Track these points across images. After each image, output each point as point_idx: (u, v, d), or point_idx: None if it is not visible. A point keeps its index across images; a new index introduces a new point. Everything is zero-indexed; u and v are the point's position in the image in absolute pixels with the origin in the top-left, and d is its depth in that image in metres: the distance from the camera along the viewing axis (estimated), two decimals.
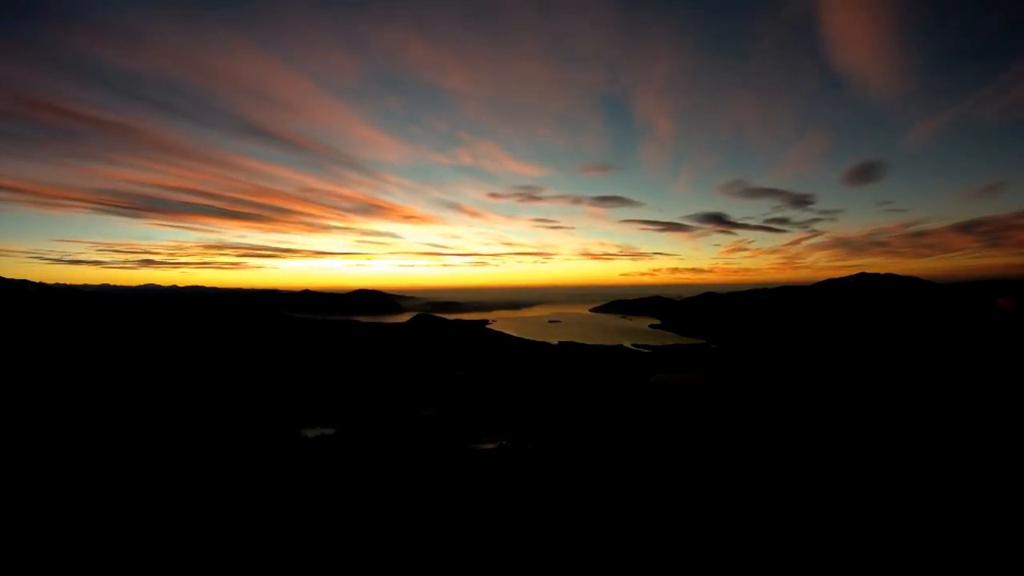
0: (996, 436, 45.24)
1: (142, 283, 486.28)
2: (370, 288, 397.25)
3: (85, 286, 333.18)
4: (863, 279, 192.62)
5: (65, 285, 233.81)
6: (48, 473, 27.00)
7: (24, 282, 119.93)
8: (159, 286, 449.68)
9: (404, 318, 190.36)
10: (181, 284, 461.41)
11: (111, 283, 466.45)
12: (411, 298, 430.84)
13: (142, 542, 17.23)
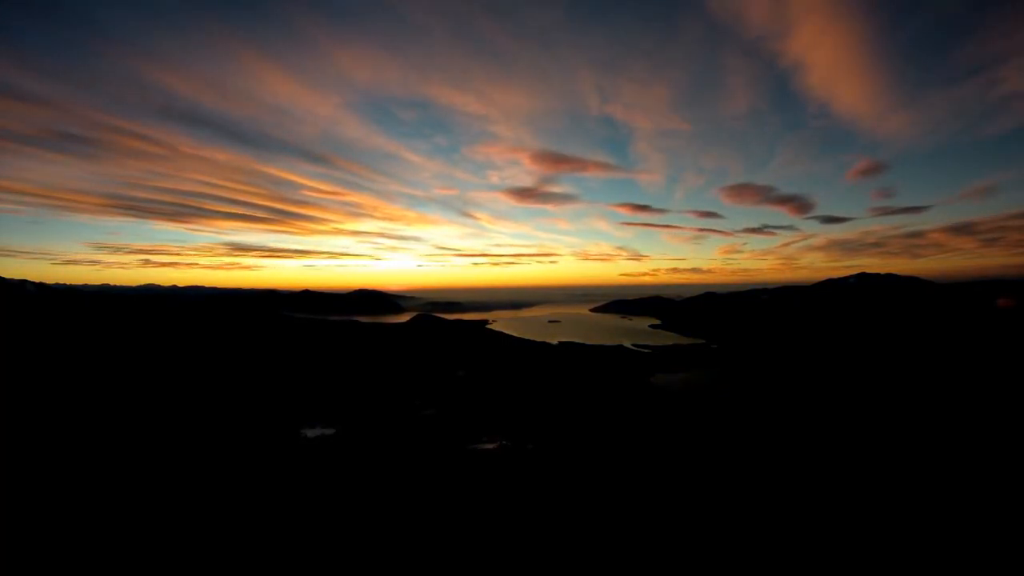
0: (997, 435, 45.23)
1: (143, 283, 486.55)
2: (372, 288, 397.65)
3: (85, 286, 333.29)
4: (863, 279, 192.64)
5: (65, 285, 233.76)
6: (49, 473, 26.99)
7: (24, 282, 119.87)
8: (159, 286, 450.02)
9: (404, 318, 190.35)
10: (181, 284, 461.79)
11: (111, 283, 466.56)
12: (411, 298, 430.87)
13: (142, 542, 17.22)
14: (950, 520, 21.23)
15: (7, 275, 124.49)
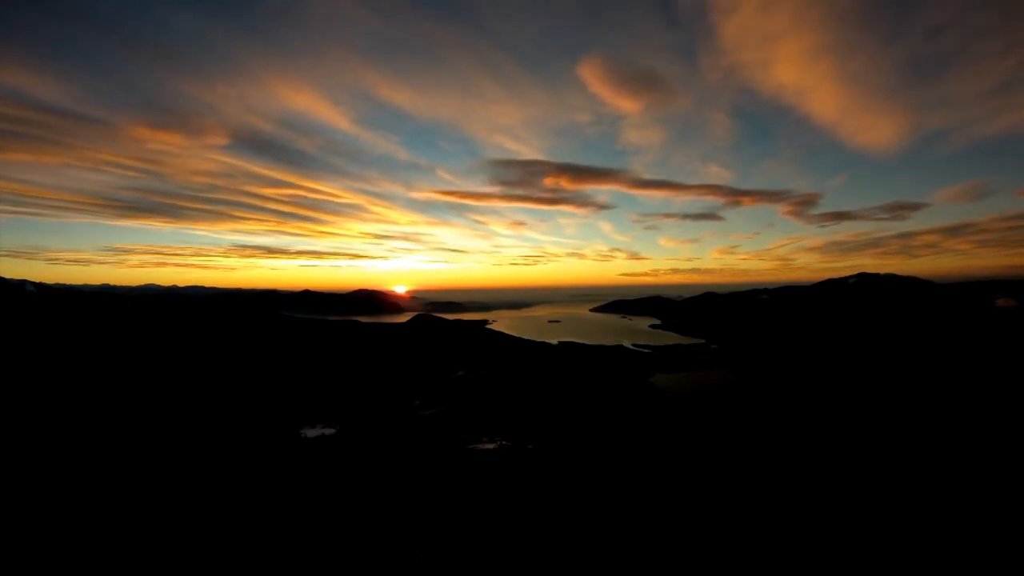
0: (999, 435, 45.20)
1: (142, 283, 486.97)
2: (372, 288, 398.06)
3: (85, 286, 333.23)
4: (864, 279, 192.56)
5: (65, 285, 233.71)
6: (50, 472, 26.97)
7: (24, 282, 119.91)
8: (159, 286, 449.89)
9: (404, 318, 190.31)
10: (181, 284, 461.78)
11: (111, 283, 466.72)
12: (411, 298, 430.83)
13: (144, 540, 17.20)
14: (951, 520, 21.20)
15: (22, 276, 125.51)
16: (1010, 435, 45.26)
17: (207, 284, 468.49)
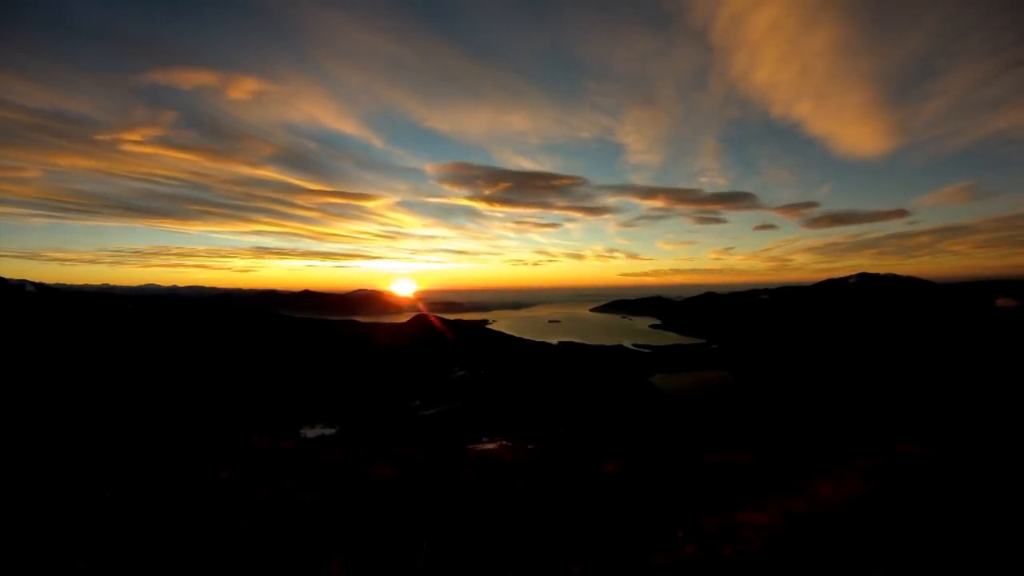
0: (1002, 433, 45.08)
1: (142, 283, 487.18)
2: (371, 288, 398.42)
3: (85, 286, 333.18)
4: (864, 279, 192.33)
5: (65, 285, 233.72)
6: (47, 473, 26.86)
7: (24, 282, 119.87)
8: (159, 286, 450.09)
9: (404, 318, 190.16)
10: (181, 284, 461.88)
11: (111, 283, 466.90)
12: (412, 298, 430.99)
13: (138, 542, 17.09)
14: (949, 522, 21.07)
15: (30, 277, 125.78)
16: (1012, 434, 45.16)
17: (208, 284, 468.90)
